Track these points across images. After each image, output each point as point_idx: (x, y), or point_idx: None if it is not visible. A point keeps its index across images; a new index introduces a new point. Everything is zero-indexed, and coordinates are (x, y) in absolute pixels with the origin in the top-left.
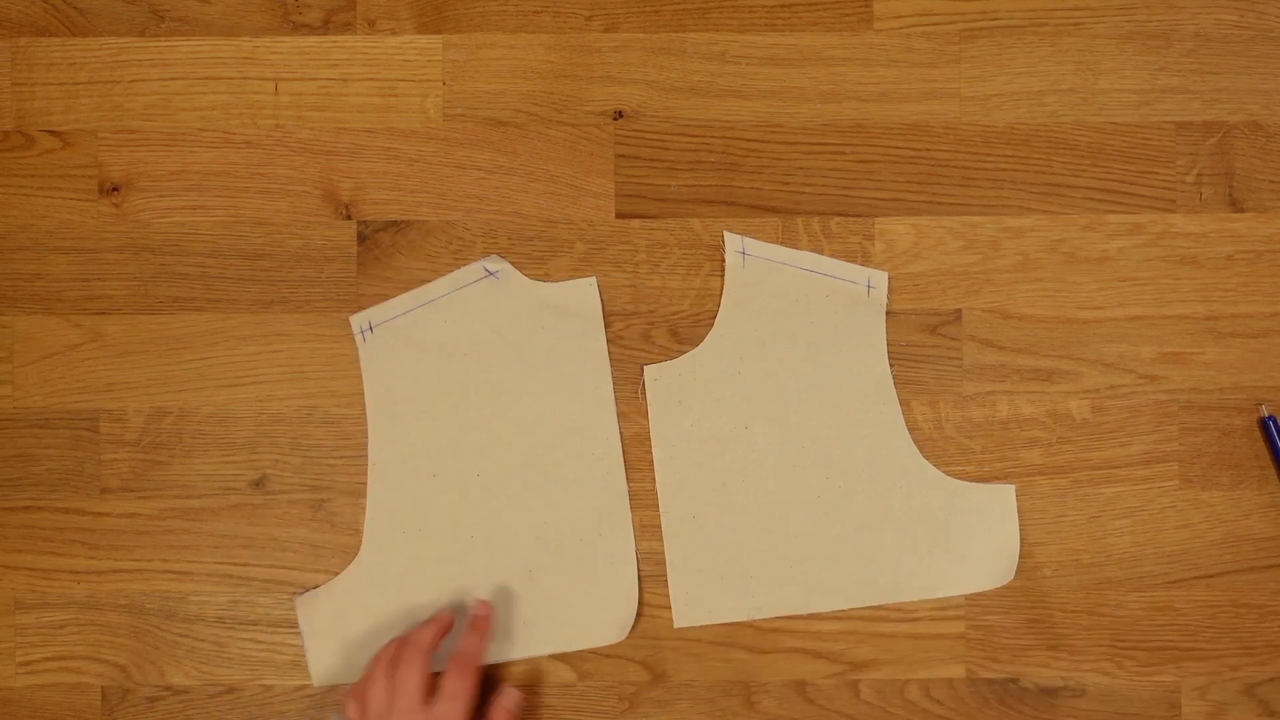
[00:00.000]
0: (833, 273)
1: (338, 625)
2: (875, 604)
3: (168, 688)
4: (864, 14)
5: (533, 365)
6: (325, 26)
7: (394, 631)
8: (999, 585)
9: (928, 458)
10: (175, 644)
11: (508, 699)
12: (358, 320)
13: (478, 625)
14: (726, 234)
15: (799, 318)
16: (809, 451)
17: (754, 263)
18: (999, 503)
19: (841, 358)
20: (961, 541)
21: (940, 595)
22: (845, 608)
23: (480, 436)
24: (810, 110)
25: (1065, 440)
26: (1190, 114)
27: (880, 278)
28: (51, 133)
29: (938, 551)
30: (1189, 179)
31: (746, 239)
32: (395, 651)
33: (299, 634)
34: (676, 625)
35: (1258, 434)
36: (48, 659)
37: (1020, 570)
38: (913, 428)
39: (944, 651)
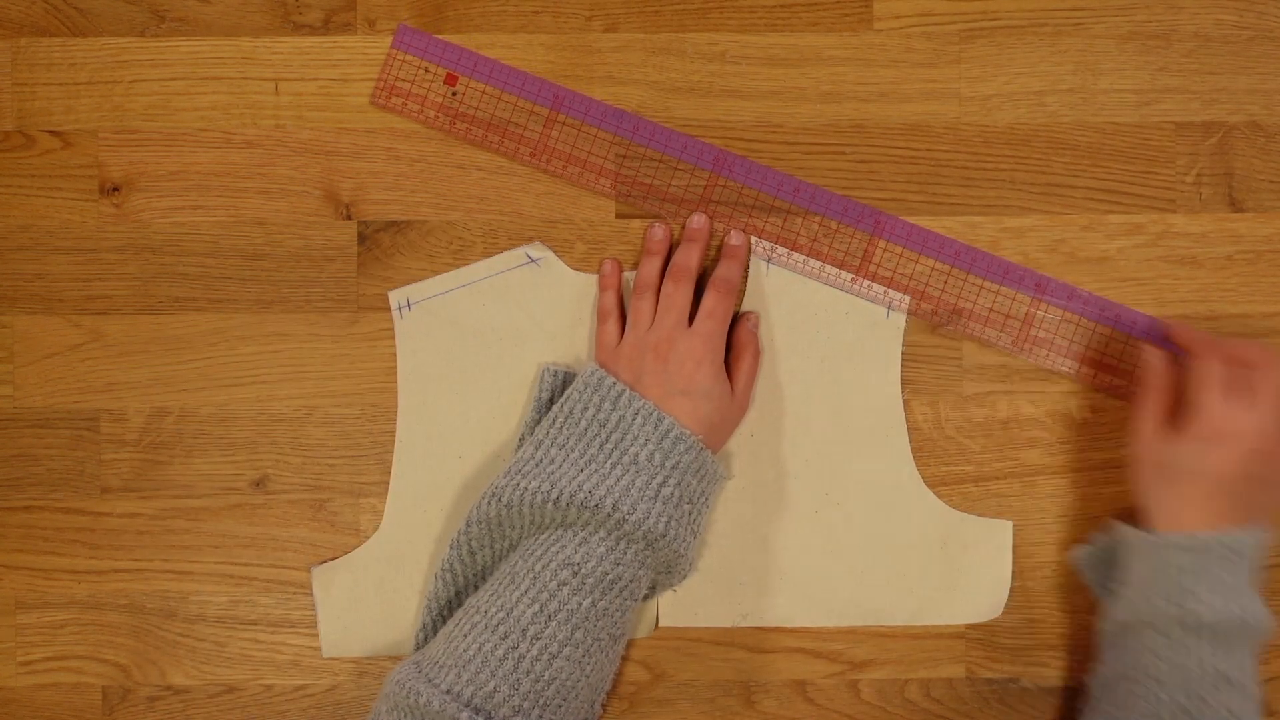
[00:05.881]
0: (856, 291)
1: (352, 598)
2: (860, 624)
3: (168, 687)
4: (864, 14)
5: (567, 356)
6: (325, 26)
7: (409, 608)
8: (986, 619)
9: (928, 457)
10: (176, 644)
11: (751, 319)
12: (396, 296)
13: (734, 253)
14: (754, 240)
15: (816, 332)
16: (811, 465)
17: (777, 272)
18: (995, 537)
19: (854, 376)
20: (954, 572)
21: (925, 623)
22: (830, 625)
23: (509, 423)
24: (810, 110)
25: (1065, 440)
26: (1190, 114)
27: (902, 301)
28: (52, 133)
29: (928, 580)
30: (1189, 179)
31: (776, 247)
32: (661, 272)
33: (313, 603)
34: (661, 624)
35: None
36: (48, 659)
37: (1020, 570)
38: (913, 428)
39: (944, 651)
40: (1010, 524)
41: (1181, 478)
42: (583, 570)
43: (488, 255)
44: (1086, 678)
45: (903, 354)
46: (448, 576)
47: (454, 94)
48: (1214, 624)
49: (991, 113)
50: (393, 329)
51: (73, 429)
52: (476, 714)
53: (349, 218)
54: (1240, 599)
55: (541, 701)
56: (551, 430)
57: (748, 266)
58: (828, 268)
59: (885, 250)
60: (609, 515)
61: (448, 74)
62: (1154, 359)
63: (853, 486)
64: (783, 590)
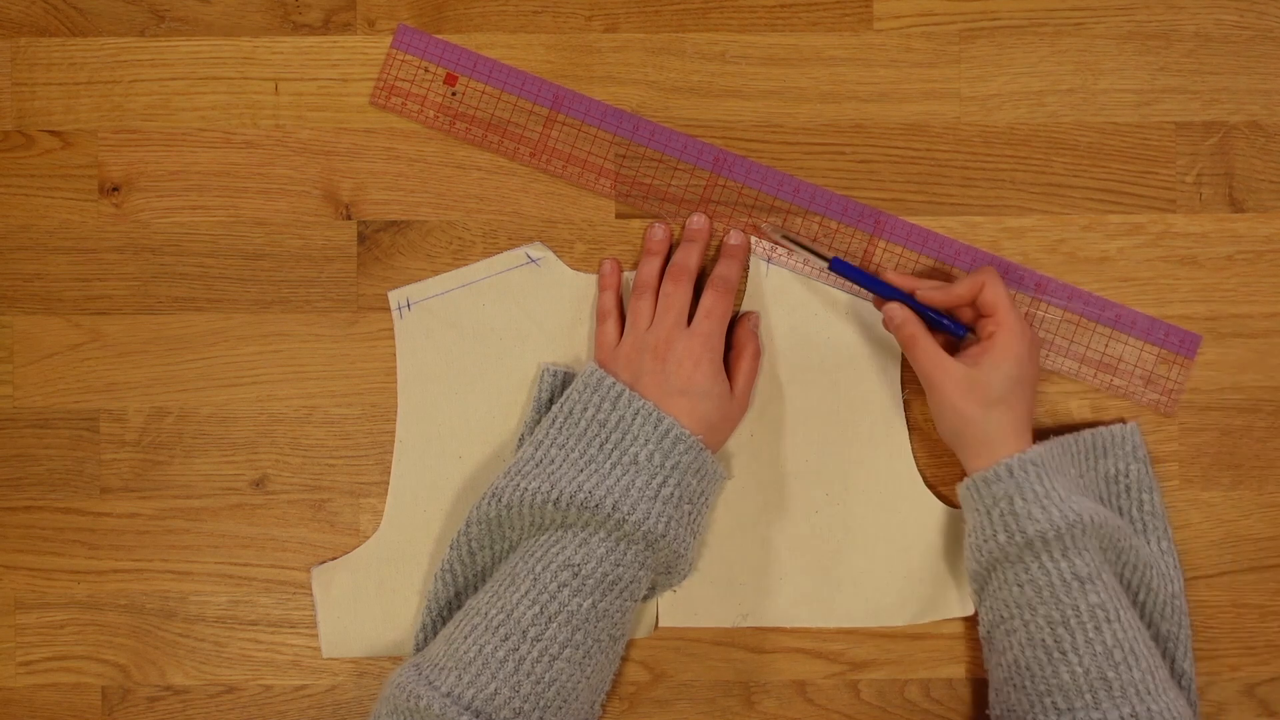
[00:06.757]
0: (855, 290)
1: (351, 598)
2: (861, 624)
3: (168, 687)
4: (864, 14)
5: (567, 356)
6: (325, 26)
7: (409, 608)
8: None
9: (928, 458)
10: (175, 644)
11: (751, 319)
12: (395, 296)
13: (733, 253)
14: (753, 239)
15: (817, 331)
16: (811, 465)
17: (777, 272)
18: None
19: (854, 376)
20: (954, 572)
21: (926, 620)
22: (830, 626)
23: (509, 423)
24: (810, 110)
25: None
26: (1190, 114)
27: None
28: (51, 133)
29: (929, 579)
30: (1189, 179)
31: (776, 247)
32: (661, 272)
33: (312, 603)
34: (661, 624)
35: (1258, 434)
36: (48, 659)
37: None
38: (913, 427)
39: (944, 651)
40: None
41: (1000, 399)
42: (583, 571)
43: (488, 255)
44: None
45: (903, 354)
46: (448, 577)
47: (454, 94)
48: (1045, 534)
49: (991, 113)
50: (393, 329)
51: (72, 429)
52: (477, 717)
53: (349, 218)
54: (1061, 504)
55: (542, 703)
56: (551, 430)
57: (747, 266)
58: (821, 262)
59: (885, 250)
60: (609, 516)
61: (447, 74)
62: (899, 308)
63: (853, 486)
64: (783, 590)
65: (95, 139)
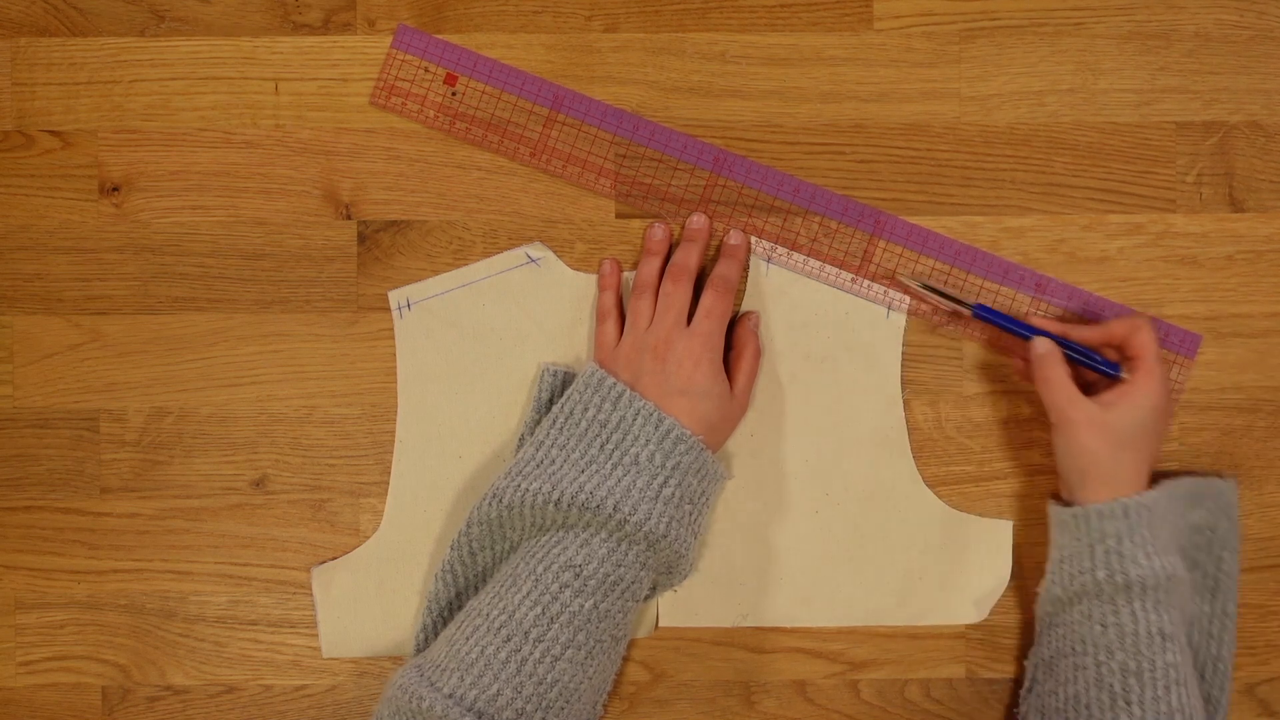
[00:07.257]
0: (856, 291)
1: (352, 598)
2: (860, 624)
3: (168, 688)
4: (864, 14)
5: (567, 356)
6: (325, 26)
7: (409, 608)
8: (986, 619)
9: (928, 457)
10: (175, 644)
11: (751, 318)
12: (395, 296)
13: (733, 253)
14: (754, 239)
15: (816, 331)
16: (811, 465)
17: (777, 272)
18: (995, 537)
19: (854, 376)
20: (954, 572)
21: (925, 623)
22: (830, 625)
23: (509, 423)
24: (810, 110)
25: None
26: (1190, 114)
27: (902, 301)
28: (51, 133)
29: (928, 580)
30: (1189, 179)
31: (776, 247)
32: (660, 272)
33: (312, 603)
34: (661, 624)
35: (1258, 434)
36: (48, 659)
37: (1020, 570)
38: (913, 428)
39: (944, 651)
40: (1010, 524)
41: (1130, 443)
42: (584, 572)
43: (488, 255)
44: (1026, 662)
45: (903, 354)
46: (448, 578)
47: (454, 94)
48: (1145, 581)
49: (991, 113)
50: (393, 329)
51: (73, 429)
52: (479, 718)
53: (349, 218)
54: (1163, 555)
55: (544, 704)
56: (552, 431)
57: (747, 266)
58: (828, 268)
59: (885, 250)
60: (610, 516)
61: (447, 74)
62: (1047, 342)
63: (853, 486)
64: (783, 590)
65: (95, 139)
